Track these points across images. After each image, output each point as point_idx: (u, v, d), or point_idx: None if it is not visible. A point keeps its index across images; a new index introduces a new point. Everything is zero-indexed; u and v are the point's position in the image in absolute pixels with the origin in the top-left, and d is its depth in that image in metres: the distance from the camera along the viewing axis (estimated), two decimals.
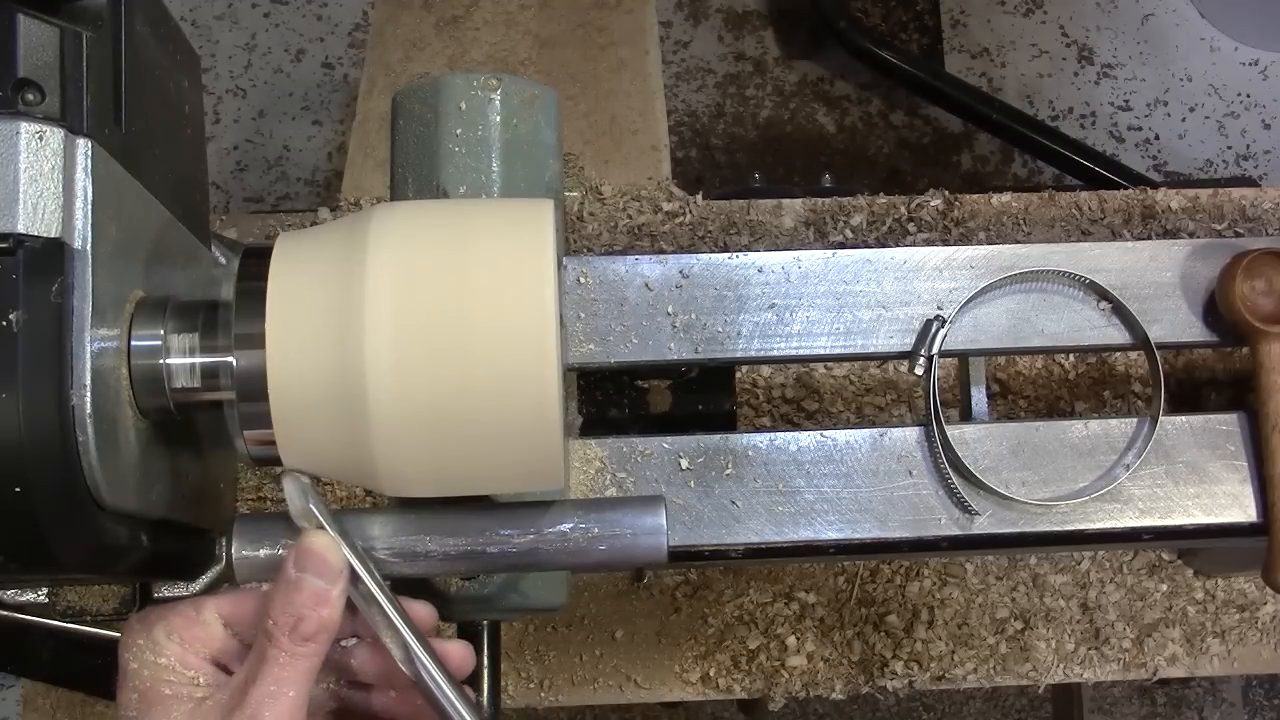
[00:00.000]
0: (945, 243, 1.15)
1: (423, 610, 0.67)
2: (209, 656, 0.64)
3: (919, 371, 0.88)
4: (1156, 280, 0.91)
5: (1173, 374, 1.14)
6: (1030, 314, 0.90)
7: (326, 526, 0.64)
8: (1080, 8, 2.37)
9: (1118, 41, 2.35)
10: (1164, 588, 1.15)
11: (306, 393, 0.60)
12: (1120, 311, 0.90)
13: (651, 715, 1.92)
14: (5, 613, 0.89)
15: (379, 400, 0.60)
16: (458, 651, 0.67)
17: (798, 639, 1.13)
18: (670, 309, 0.88)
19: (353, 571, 0.64)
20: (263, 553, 0.66)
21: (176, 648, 0.63)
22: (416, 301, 0.60)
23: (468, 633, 0.79)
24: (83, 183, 0.59)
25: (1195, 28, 2.36)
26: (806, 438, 0.87)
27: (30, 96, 0.57)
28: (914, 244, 1.15)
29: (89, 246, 0.59)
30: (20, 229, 0.56)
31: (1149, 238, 1.15)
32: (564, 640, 1.13)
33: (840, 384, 1.15)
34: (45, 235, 0.57)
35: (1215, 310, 0.90)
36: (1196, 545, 1.11)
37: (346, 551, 0.63)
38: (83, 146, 0.59)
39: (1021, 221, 1.17)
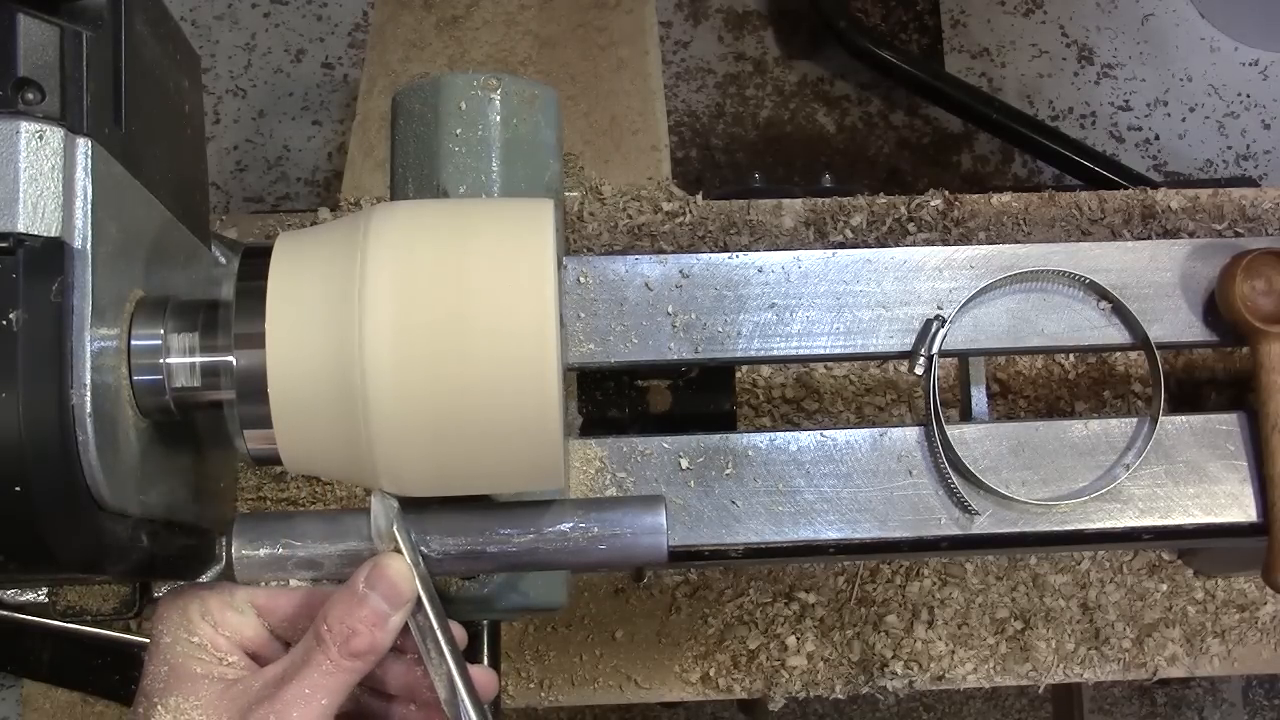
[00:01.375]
0: (945, 243, 1.15)
1: (485, 678, 0.67)
2: (240, 643, 0.64)
3: (919, 371, 0.88)
4: (1156, 280, 0.91)
5: (1173, 374, 1.14)
6: (1030, 314, 0.90)
7: (405, 554, 0.64)
8: (1080, 8, 2.37)
9: (1118, 41, 2.35)
10: (1164, 588, 1.15)
11: (306, 392, 0.60)
12: (1120, 311, 0.90)
13: (651, 715, 1.92)
14: (5, 613, 0.89)
15: (379, 400, 0.60)
16: (483, 679, 0.67)
17: (798, 639, 1.13)
18: (670, 309, 0.88)
19: (417, 601, 0.64)
20: (263, 552, 0.66)
21: (209, 629, 0.64)
22: (416, 301, 0.60)
23: (468, 633, 0.79)
24: (83, 182, 0.59)
25: (1195, 28, 2.36)
26: (806, 438, 0.87)
27: (30, 96, 0.57)
28: (914, 244, 1.15)
29: (89, 246, 0.59)
30: (20, 228, 0.56)
31: (1149, 238, 1.15)
32: (564, 640, 1.13)
33: (840, 384, 1.15)
34: (45, 235, 0.57)
35: (1215, 310, 0.90)
36: (1196, 545, 1.11)
37: (418, 583, 0.64)
38: (83, 146, 0.59)
39: (1021, 221, 1.17)
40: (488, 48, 1.40)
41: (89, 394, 0.58)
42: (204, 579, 0.73)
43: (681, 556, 0.86)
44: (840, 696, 1.13)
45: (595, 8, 1.42)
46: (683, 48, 2.34)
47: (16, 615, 0.92)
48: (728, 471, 0.86)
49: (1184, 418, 0.89)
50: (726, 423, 1.06)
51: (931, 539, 0.86)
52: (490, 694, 0.67)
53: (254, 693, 0.61)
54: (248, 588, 0.66)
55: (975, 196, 1.18)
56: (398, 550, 0.64)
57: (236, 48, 2.31)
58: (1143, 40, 2.35)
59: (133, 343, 0.63)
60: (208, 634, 0.63)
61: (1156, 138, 2.30)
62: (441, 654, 0.64)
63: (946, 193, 1.17)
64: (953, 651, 1.13)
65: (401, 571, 0.63)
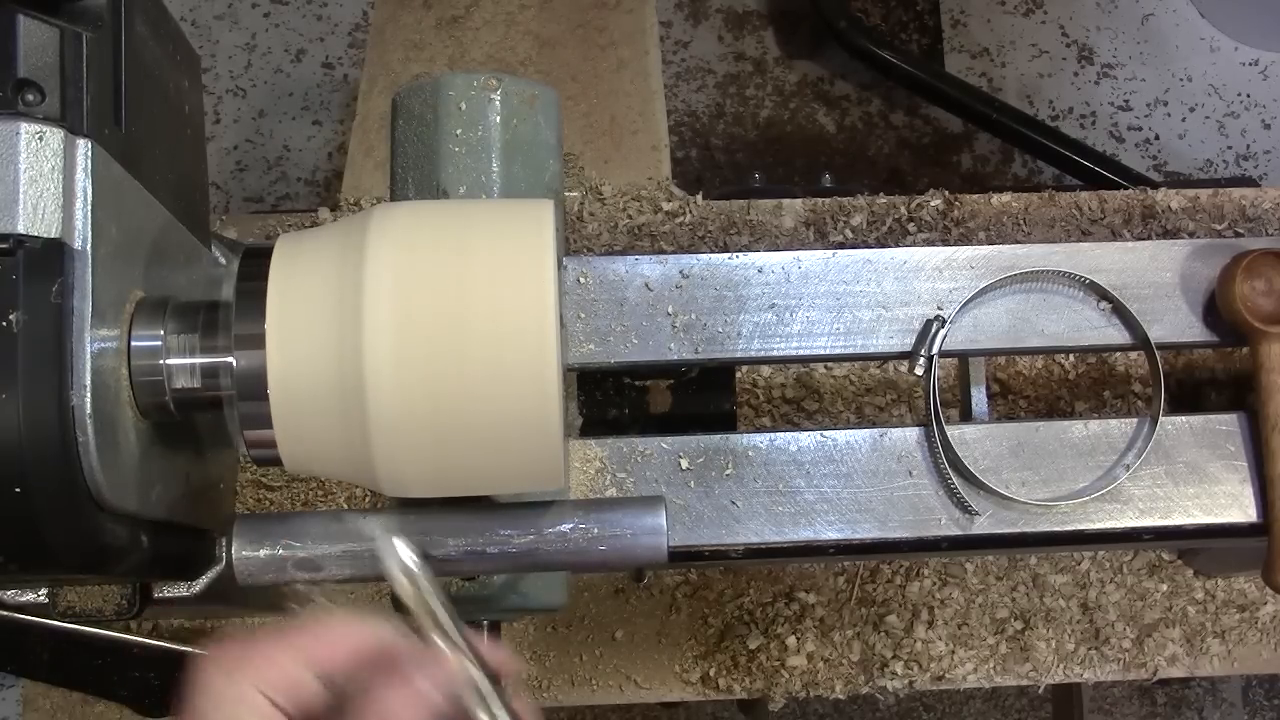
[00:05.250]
0: (945, 243, 1.15)
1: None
2: (299, 704, 0.55)
3: (919, 371, 0.88)
4: (1156, 280, 0.91)
5: (1173, 374, 1.14)
6: (1030, 314, 0.90)
7: (451, 637, 0.58)
8: (1080, 8, 2.37)
9: (1118, 41, 2.35)
10: (1164, 588, 1.15)
11: (306, 393, 0.60)
12: (1120, 311, 0.90)
13: (651, 715, 1.92)
14: (5, 613, 0.89)
15: (379, 401, 0.60)
16: (501, 658, 0.61)
17: (798, 639, 1.13)
18: (670, 309, 0.88)
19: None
20: (263, 553, 0.66)
21: (266, 705, 0.54)
22: (416, 302, 0.60)
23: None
24: (83, 183, 0.59)
25: (1195, 28, 2.36)
26: (806, 438, 0.87)
27: (30, 97, 0.58)
28: (914, 244, 1.15)
29: (89, 247, 0.59)
30: (20, 229, 0.56)
31: (1149, 238, 1.15)
32: (564, 640, 1.13)
33: (840, 384, 1.15)
34: (45, 235, 0.57)
35: (1215, 310, 0.90)
36: (1196, 545, 1.11)
37: (471, 668, 0.57)
38: (83, 147, 0.59)
39: (1021, 221, 1.17)
40: (488, 48, 1.40)
41: (89, 395, 0.58)
42: (204, 579, 0.73)
43: (681, 557, 0.86)
44: (840, 696, 1.13)
45: (595, 8, 1.42)
46: (683, 48, 2.34)
47: (16, 615, 0.92)
48: (728, 472, 0.86)
49: (1184, 418, 0.89)
50: (726, 423, 1.06)
51: (931, 539, 0.86)
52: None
53: None
54: (308, 640, 0.56)
55: (975, 196, 1.18)
56: (439, 628, 0.57)
57: (236, 48, 2.31)
58: (1143, 40, 2.35)
59: (133, 343, 0.64)
60: (265, 710, 0.54)
61: (1156, 138, 2.30)
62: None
63: (946, 193, 1.17)
64: (953, 651, 1.13)
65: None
